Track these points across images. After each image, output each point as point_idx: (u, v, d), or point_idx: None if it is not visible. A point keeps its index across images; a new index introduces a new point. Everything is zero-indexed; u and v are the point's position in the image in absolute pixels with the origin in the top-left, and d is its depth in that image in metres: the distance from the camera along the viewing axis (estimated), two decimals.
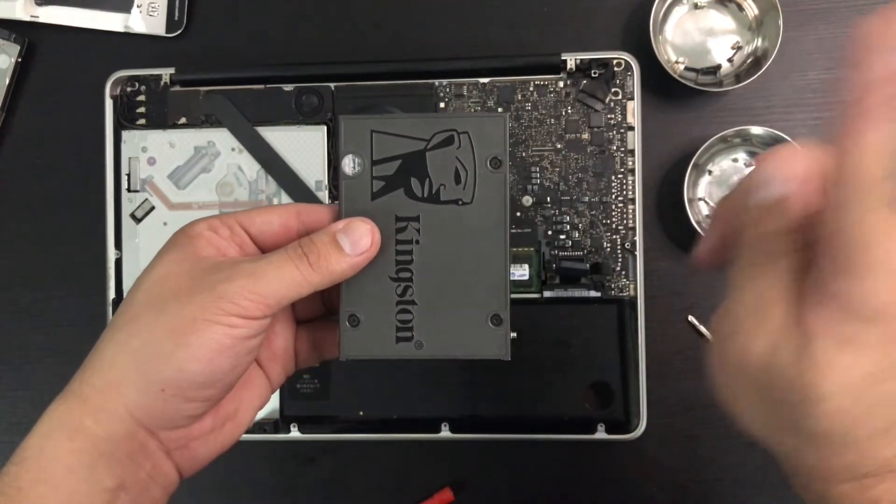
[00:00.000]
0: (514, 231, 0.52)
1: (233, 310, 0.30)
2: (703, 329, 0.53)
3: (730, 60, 0.53)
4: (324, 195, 0.52)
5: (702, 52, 0.54)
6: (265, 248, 0.34)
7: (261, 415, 0.53)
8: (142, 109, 0.54)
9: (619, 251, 0.52)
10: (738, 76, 0.53)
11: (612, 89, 0.52)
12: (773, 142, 0.52)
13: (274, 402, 0.52)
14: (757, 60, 0.52)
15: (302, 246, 0.32)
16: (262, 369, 0.36)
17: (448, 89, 0.53)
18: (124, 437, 0.30)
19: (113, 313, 0.53)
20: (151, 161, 0.54)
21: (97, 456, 0.30)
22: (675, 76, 0.51)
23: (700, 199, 0.53)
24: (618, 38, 0.55)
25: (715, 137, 0.51)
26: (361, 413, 0.52)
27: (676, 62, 0.53)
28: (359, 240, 0.32)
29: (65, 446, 0.29)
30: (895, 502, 0.25)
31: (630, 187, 0.52)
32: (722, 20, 0.54)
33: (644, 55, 0.52)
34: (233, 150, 0.53)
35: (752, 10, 0.53)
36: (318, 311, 0.37)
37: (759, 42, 0.53)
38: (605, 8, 0.55)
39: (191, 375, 0.30)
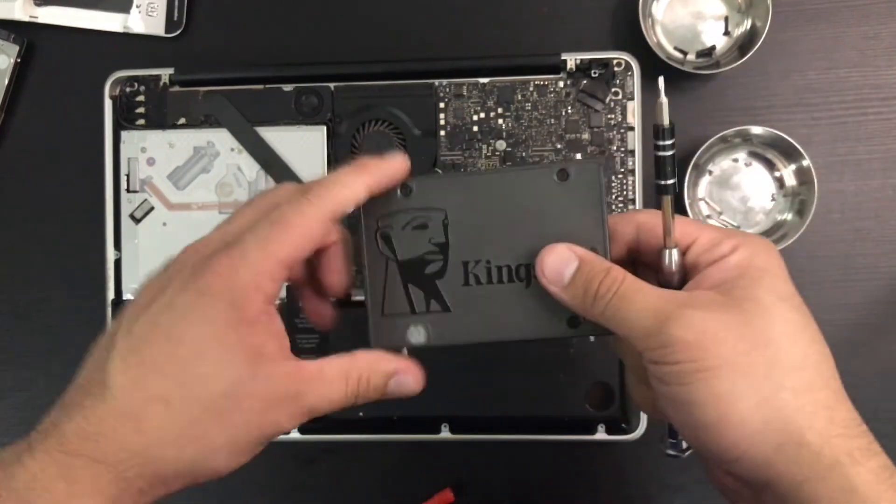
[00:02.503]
0: None
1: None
2: None
3: (726, 34, 0.53)
4: None
5: (694, 36, 0.54)
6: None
7: None
8: (141, 110, 0.54)
9: None
10: (733, 58, 0.53)
11: (613, 89, 0.52)
12: (774, 142, 0.52)
13: None
14: (749, 40, 0.52)
15: (359, 385, 0.32)
16: None
17: (448, 89, 0.53)
18: None
19: (113, 314, 0.53)
20: (151, 161, 0.54)
21: None
22: (669, 61, 0.51)
23: (700, 199, 0.53)
24: (618, 38, 0.55)
25: (715, 137, 0.51)
26: (361, 413, 0.52)
27: (675, 50, 0.53)
28: (403, 387, 0.34)
29: None
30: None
31: (630, 187, 0.52)
32: (711, 3, 0.54)
33: (643, 53, 0.52)
34: (232, 150, 0.53)
35: None
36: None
37: (748, 23, 0.53)
38: (605, 8, 0.55)
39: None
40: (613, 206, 0.52)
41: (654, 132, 0.32)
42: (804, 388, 0.29)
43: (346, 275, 0.35)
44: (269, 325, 0.31)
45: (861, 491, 0.27)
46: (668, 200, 0.32)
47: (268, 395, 0.30)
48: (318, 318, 0.37)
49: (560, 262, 0.32)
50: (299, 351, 0.51)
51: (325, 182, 0.32)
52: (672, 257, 0.32)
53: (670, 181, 0.32)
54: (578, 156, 0.34)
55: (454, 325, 0.34)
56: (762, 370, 0.28)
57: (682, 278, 0.32)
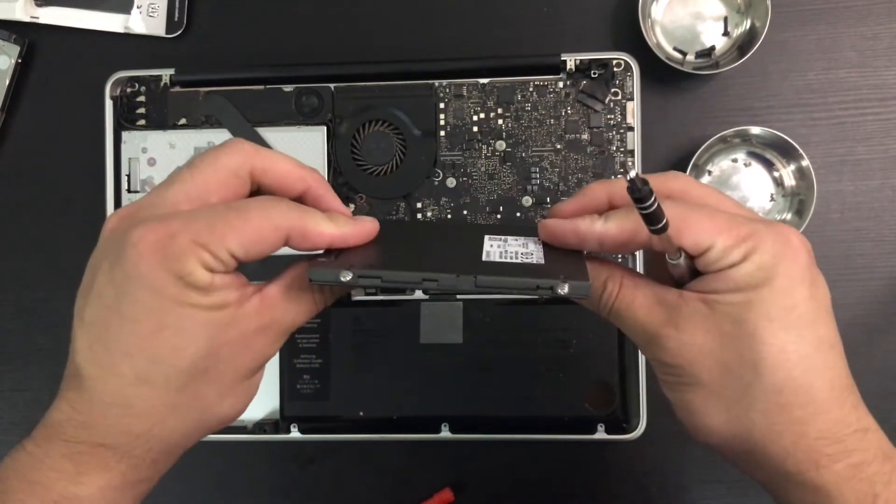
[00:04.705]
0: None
1: None
2: None
3: (725, 34, 0.53)
4: None
5: (693, 36, 0.54)
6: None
7: (261, 415, 0.53)
8: (142, 110, 0.54)
9: None
10: (733, 58, 0.53)
11: (612, 90, 0.52)
12: (773, 142, 0.52)
13: (274, 402, 0.52)
14: (749, 40, 0.52)
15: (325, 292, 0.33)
16: None
17: (448, 90, 0.53)
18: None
19: None
20: (152, 162, 0.54)
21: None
22: (668, 61, 0.51)
23: None
24: (617, 38, 0.55)
25: (715, 138, 0.51)
26: (361, 413, 0.52)
27: (675, 50, 0.53)
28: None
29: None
30: (870, 450, 0.30)
31: None
32: (710, 3, 0.54)
33: (643, 53, 0.52)
34: None
35: None
36: None
37: (748, 24, 0.53)
38: (605, 8, 0.55)
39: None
40: None
41: (632, 192, 0.27)
42: (776, 410, 0.30)
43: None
44: (219, 280, 0.29)
45: (823, 490, 0.30)
46: (665, 236, 0.30)
47: (243, 336, 0.30)
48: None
49: None
50: (300, 351, 0.52)
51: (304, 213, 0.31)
52: (678, 265, 0.31)
53: (662, 224, 0.29)
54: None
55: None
56: (734, 394, 0.30)
57: (691, 273, 0.32)
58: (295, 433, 0.52)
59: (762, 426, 0.30)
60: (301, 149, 0.53)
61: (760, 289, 0.29)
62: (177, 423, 0.30)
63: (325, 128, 0.53)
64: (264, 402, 0.53)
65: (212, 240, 0.28)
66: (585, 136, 0.52)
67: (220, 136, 0.53)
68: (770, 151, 0.53)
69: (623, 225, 0.31)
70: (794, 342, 0.30)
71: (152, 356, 0.29)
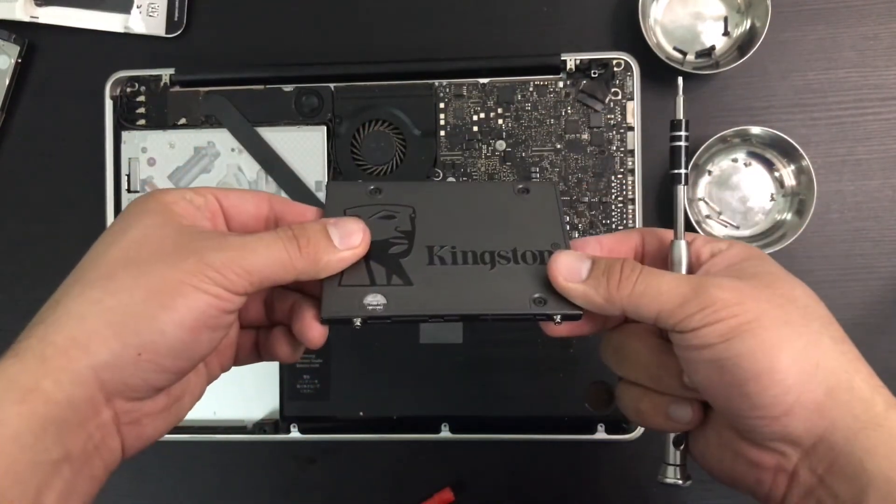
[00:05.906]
0: None
1: (220, 280, 0.29)
2: None
3: (725, 34, 0.53)
4: (324, 195, 0.52)
5: (693, 36, 0.54)
6: (234, 227, 0.34)
7: (261, 415, 0.53)
8: (142, 110, 0.54)
9: None
10: (733, 58, 0.53)
11: (612, 89, 0.52)
12: (773, 142, 0.52)
13: (274, 402, 0.52)
14: (749, 40, 0.52)
15: (293, 229, 0.31)
16: (203, 361, 0.34)
17: (448, 90, 0.53)
18: (82, 401, 0.28)
19: None
20: (151, 161, 0.54)
21: (48, 422, 0.27)
22: (668, 61, 0.51)
23: (700, 199, 0.53)
24: (617, 38, 0.55)
25: (714, 137, 0.51)
26: (361, 413, 0.52)
27: (675, 50, 0.53)
28: (349, 235, 0.32)
29: (13, 410, 0.27)
30: None
31: (630, 187, 0.52)
32: (711, 3, 0.54)
33: (643, 53, 0.52)
34: (233, 150, 0.53)
35: None
36: (260, 320, 0.36)
37: (748, 24, 0.53)
38: (605, 8, 0.55)
39: (171, 341, 0.29)
40: (613, 206, 0.52)
41: (670, 126, 0.34)
42: (841, 339, 0.30)
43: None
44: (186, 207, 0.32)
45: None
46: (679, 190, 0.34)
47: (177, 239, 0.30)
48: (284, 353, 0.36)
49: (575, 261, 0.32)
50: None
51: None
52: (682, 248, 0.33)
53: (682, 170, 0.34)
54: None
55: (415, 298, 0.32)
56: (800, 320, 0.30)
57: (689, 271, 0.34)
58: (295, 433, 0.52)
59: (837, 351, 0.29)
60: (301, 149, 0.53)
61: (764, 258, 0.33)
62: (84, 303, 0.29)
63: (325, 128, 0.53)
64: (264, 402, 0.53)
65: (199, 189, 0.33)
66: (585, 136, 0.52)
67: (220, 135, 0.53)
68: (770, 151, 0.53)
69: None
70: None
71: (111, 245, 0.31)
